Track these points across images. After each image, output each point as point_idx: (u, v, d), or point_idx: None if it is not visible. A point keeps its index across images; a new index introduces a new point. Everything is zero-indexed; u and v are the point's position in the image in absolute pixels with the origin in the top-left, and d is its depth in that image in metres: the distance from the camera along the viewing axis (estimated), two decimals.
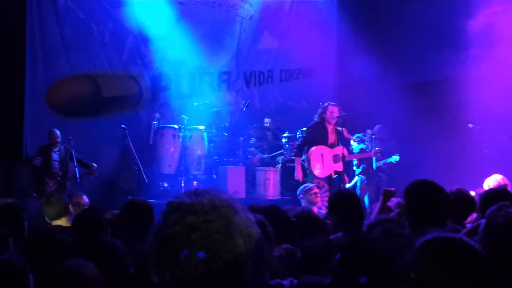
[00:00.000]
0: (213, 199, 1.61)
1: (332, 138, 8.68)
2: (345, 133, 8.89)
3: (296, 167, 8.74)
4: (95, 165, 9.46)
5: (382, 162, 9.97)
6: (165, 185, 10.06)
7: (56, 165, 9.30)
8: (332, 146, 8.64)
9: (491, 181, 6.22)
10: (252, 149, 10.90)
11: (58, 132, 9.36)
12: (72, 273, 2.53)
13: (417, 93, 11.14)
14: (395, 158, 9.78)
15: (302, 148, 8.83)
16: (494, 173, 6.54)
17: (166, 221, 1.59)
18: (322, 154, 8.51)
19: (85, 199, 6.01)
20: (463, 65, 10.36)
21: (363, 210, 4.29)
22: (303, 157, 9.00)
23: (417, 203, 3.56)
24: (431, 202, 3.50)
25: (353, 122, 9.18)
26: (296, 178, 8.76)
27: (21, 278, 2.66)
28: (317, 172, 8.48)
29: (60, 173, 9.22)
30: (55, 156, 9.33)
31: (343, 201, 4.18)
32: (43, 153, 9.28)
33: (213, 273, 1.53)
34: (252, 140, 10.98)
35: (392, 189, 4.70)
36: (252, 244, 1.61)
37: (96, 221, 3.70)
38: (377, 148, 9.53)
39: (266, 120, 11.66)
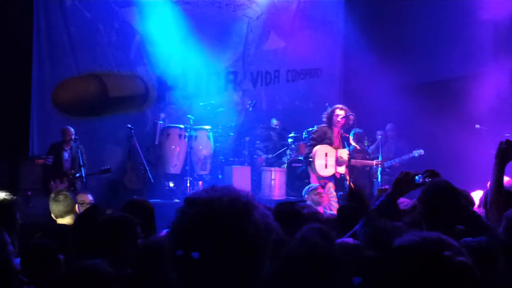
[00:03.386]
0: (230, 195, 1.61)
1: (337, 141, 8.63)
2: (351, 140, 8.83)
3: (311, 177, 8.62)
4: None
5: (397, 160, 9.96)
6: (171, 184, 10.04)
7: (67, 164, 9.27)
8: (337, 148, 8.59)
9: None
10: (258, 151, 10.88)
11: (72, 130, 9.31)
12: (87, 273, 2.52)
13: (423, 93, 11.08)
14: (419, 151, 9.78)
15: (314, 146, 8.73)
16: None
17: (184, 216, 1.59)
18: (326, 153, 8.47)
19: (90, 197, 6.03)
20: (469, 65, 10.32)
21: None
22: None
23: (434, 206, 3.43)
24: (449, 207, 3.39)
25: (359, 122, 9.12)
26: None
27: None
28: (319, 170, 8.45)
29: (72, 171, 9.17)
30: (66, 155, 9.30)
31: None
32: (54, 152, 9.23)
33: (231, 268, 1.54)
34: (258, 143, 10.95)
35: (386, 187, 4.62)
36: (270, 240, 1.62)
37: (97, 221, 3.66)
38: (380, 159, 9.49)
39: (274, 121, 11.58)
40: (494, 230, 3.28)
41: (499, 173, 3.41)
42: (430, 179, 3.58)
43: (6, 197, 4.00)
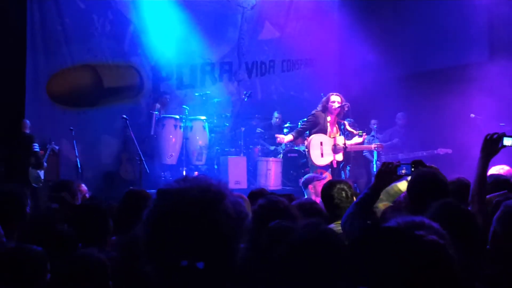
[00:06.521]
0: (201, 185, 1.63)
1: (332, 128, 8.64)
2: (347, 126, 8.80)
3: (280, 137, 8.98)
4: None
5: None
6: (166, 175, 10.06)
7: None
8: (332, 135, 8.60)
9: (496, 170, 6.12)
10: (258, 139, 10.88)
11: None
12: (84, 262, 2.56)
13: (418, 83, 11.11)
14: (446, 151, 9.84)
15: (301, 132, 8.90)
16: (494, 163, 6.46)
17: (156, 208, 1.62)
18: (321, 142, 8.48)
19: (84, 187, 6.05)
20: (463, 55, 10.34)
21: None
22: (303, 147, 8.97)
23: (418, 194, 3.44)
24: (432, 194, 3.30)
25: (354, 112, 9.14)
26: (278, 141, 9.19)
27: (39, 266, 2.70)
28: (315, 160, 8.45)
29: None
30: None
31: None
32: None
33: (204, 257, 1.55)
34: (259, 130, 10.95)
35: None
36: (241, 228, 1.64)
37: (97, 212, 3.69)
38: (377, 142, 9.50)
39: (276, 114, 11.44)
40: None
41: (484, 166, 3.41)
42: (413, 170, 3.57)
43: (17, 189, 4.01)
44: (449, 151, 9.87)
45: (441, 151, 9.92)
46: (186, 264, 1.53)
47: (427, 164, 3.75)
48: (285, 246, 2.00)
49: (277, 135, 9.27)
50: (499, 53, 9.83)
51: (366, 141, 9.82)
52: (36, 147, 8.89)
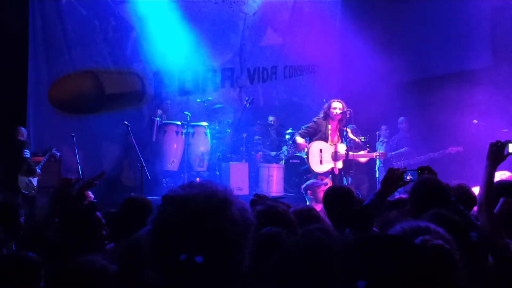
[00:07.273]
0: (207, 191, 1.61)
1: (334, 135, 8.60)
2: (350, 133, 8.76)
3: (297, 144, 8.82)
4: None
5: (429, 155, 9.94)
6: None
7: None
8: (333, 143, 8.57)
9: (498, 176, 6.08)
10: (259, 147, 10.86)
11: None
12: (84, 270, 2.54)
13: (421, 89, 11.09)
14: (457, 149, 9.81)
15: (304, 134, 8.83)
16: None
17: (161, 214, 1.61)
18: (320, 149, 8.46)
19: (90, 194, 6.01)
20: (467, 60, 10.31)
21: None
22: (303, 153, 8.98)
23: (420, 200, 3.41)
24: (434, 201, 3.31)
25: (356, 119, 9.10)
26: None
27: (33, 272, 2.69)
28: (314, 167, 8.42)
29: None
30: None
31: (335, 199, 4.09)
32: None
33: (211, 263, 1.54)
34: (256, 137, 10.93)
35: None
36: (248, 234, 1.63)
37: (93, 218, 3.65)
38: (381, 151, 9.47)
39: (270, 118, 11.59)
40: (483, 229, 3.27)
41: (490, 174, 3.39)
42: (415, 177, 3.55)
43: (11, 201, 3.99)
44: (460, 149, 9.81)
45: (453, 150, 9.86)
46: (185, 257, 1.52)
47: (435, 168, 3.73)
48: (280, 253, 1.98)
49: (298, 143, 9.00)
50: (502, 58, 9.80)
51: (380, 145, 9.83)
52: (27, 153, 8.77)
